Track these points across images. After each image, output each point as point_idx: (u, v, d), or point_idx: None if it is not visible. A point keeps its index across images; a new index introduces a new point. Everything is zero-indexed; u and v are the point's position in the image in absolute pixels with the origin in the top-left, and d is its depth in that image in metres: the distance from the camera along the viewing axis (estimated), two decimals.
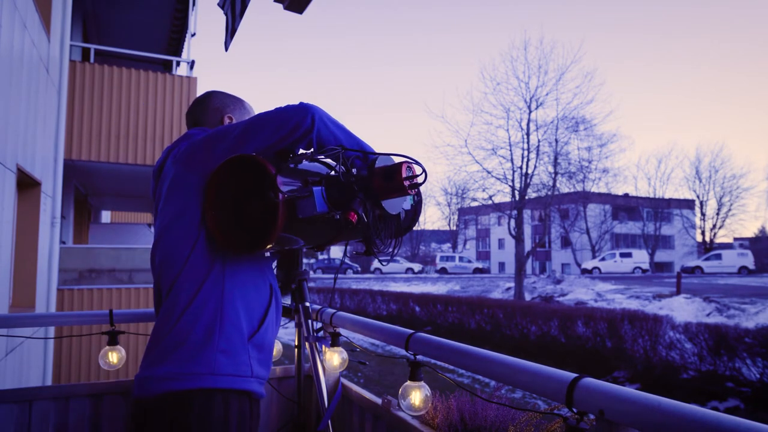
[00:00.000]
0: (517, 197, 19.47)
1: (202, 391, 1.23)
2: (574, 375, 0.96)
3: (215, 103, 1.53)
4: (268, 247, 1.20)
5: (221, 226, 1.24)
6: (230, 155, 1.24)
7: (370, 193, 1.19)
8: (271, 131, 1.23)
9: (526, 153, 19.49)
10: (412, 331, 1.48)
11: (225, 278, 1.29)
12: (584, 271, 35.56)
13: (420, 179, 1.20)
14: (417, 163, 1.20)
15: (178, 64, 9.32)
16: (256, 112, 1.45)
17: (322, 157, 1.26)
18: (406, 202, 1.37)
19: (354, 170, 1.23)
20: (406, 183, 1.17)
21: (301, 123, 1.22)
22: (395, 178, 1.16)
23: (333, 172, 1.26)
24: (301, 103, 1.26)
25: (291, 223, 1.16)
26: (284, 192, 1.13)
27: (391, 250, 1.37)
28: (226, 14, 2.90)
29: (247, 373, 1.29)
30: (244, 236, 1.21)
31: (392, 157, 1.27)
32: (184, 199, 1.30)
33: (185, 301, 1.27)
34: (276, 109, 1.27)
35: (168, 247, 1.32)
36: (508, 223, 20.11)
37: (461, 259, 41.85)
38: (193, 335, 1.25)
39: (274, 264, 1.60)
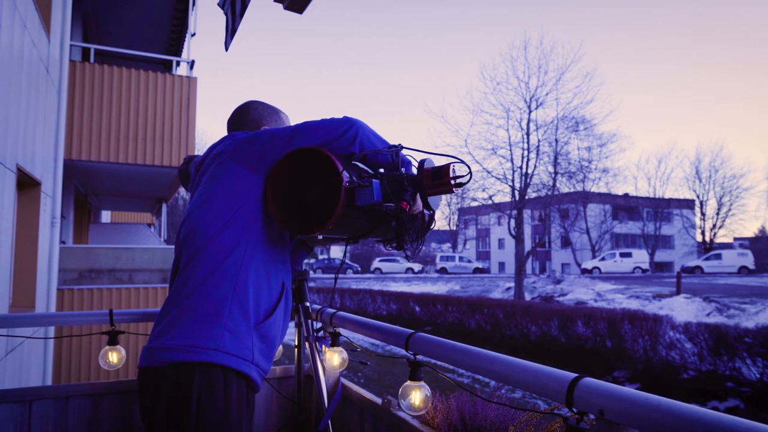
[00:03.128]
0: (517, 197, 19.46)
1: (205, 365, 1.26)
2: (574, 375, 0.96)
3: (253, 115, 1.63)
4: (322, 229, 1.32)
5: (283, 207, 1.36)
6: (279, 152, 1.36)
7: (419, 189, 1.32)
8: (318, 137, 1.35)
9: (526, 153, 19.49)
10: (412, 331, 1.48)
11: (244, 262, 1.34)
12: (584, 271, 35.55)
13: (465, 179, 1.31)
14: (463, 162, 1.31)
15: (178, 64, 9.32)
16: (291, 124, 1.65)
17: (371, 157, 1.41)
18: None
19: (404, 169, 1.38)
20: (452, 182, 1.30)
21: (346, 132, 1.35)
22: (443, 178, 1.30)
23: (382, 170, 1.39)
24: (345, 117, 1.39)
25: (346, 210, 1.29)
26: (347, 181, 1.28)
27: (416, 246, 1.48)
28: (226, 14, 2.90)
29: (249, 357, 1.32)
30: (305, 218, 1.35)
31: (438, 157, 1.40)
32: (223, 185, 1.38)
33: (202, 276, 1.32)
34: (323, 119, 1.39)
35: (195, 224, 1.38)
36: (508, 223, 20.10)
37: (461, 259, 41.83)
38: (203, 309, 1.29)
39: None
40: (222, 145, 1.46)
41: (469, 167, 1.31)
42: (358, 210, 1.31)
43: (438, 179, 1.31)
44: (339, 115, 1.39)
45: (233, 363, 1.29)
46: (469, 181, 1.31)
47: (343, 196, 1.26)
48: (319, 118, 1.41)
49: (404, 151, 1.41)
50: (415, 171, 1.37)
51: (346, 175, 1.28)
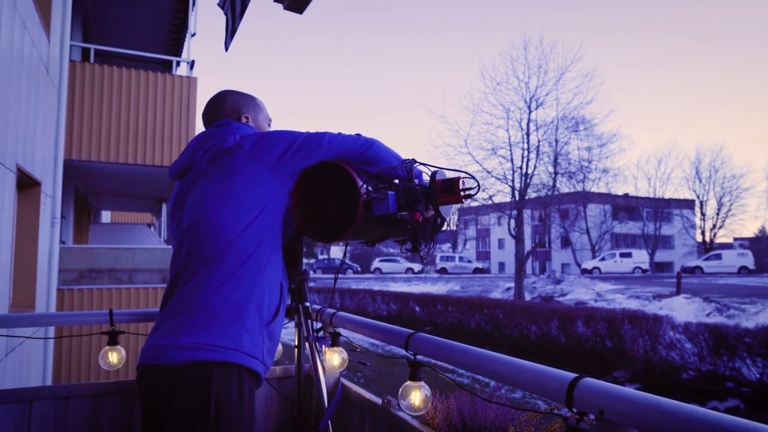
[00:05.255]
0: (517, 197, 19.45)
1: (224, 364, 1.28)
2: (574, 375, 0.96)
3: (230, 104, 1.61)
4: (343, 236, 1.43)
5: (305, 216, 1.47)
6: (302, 161, 1.42)
7: (431, 199, 1.43)
8: (340, 151, 1.44)
9: (526, 153, 19.48)
10: (412, 331, 1.48)
11: (261, 264, 1.38)
12: (584, 271, 35.52)
13: (473, 191, 1.42)
14: (473, 177, 1.43)
15: (178, 64, 9.32)
16: (268, 112, 1.71)
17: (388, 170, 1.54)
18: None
19: (417, 181, 1.48)
20: (462, 194, 1.41)
21: (365, 152, 1.46)
22: (454, 190, 1.41)
23: (397, 181, 1.49)
24: (360, 135, 1.48)
25: (364, 220, 1.40)
26: (364, 194, 1.39)
27: (429, 248, 1.56)
28: (226, 14, 2.90)
29: (260, 356, 1.36)
30: (325, 227, 1.46)
31: (449, 171, 1.51)
32: (245, 185, 1.37)
33: (222, 277, 1.33)
34: (342, 135, 1.47)
35: (214, 223, 1.36)
36: (508, 223, 20.09)
37: (461, 259, 41.82)
38: (223, 309, 1.31)
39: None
40: (233, 139, 1.43)
41: (477, 181, 1.42)
42: (374, 219, 1.41)
43: (449, 191, 1.41)
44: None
45: (249, 362, 1.32)
46: (477, 193, 1.41)
47: (362, 209, 1.37)
48: (336, 131, 1.48)
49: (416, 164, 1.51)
50: (426, 179, 1.46)
51: (364, 188, 1.38)
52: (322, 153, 1.43)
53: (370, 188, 1.41)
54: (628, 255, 37.18)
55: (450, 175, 1.47)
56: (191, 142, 1.52)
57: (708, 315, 13.64)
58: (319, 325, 1.99)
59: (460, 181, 1.41)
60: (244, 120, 1.60)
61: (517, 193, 19.49)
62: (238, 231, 1.35)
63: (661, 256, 43.30)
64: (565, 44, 39.45)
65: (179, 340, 1.29)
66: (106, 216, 20.61)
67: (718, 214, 38.70)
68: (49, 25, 5.81)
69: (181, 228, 1.45)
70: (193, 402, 1.26)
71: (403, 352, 1.48)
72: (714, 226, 38.84)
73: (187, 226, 1.42)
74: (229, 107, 1.60)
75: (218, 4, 2.98)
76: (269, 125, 1.71)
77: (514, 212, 19.62)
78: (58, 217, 6.40)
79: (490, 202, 21.04)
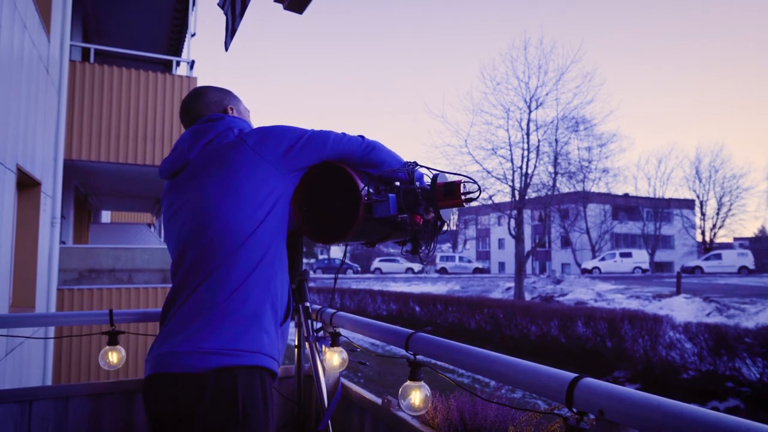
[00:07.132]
0: (517, 197, 19.45)
1: (247, 367, 1.28)
2: (574, 375, 0.96)
3: (212, 98, 1.57)
4: (343, 237, 1.44)
5: (306, 216, 1.48)
6: (308, 159, 1.42)
7: (432, 202, 1.43)
8: (344, 152, 1.45)
9: (526, 153, 19.47)
10: (412, 331, 1.48)
11: (274, 264, 1.37)
12: (584, 271, 35.51)
13: (474, 195, 1.42)
14: (474, 182, 1.43)
15: (178, 64, 9.32)
16: (257, 110, 1.64)
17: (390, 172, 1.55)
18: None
19: (418, 183, 1.48)
20: (463, 197, 1.42)
21: (368, 154, 1.47)
22: (455, 194, 1.41)
23: (398, 183, 1.49)
24: (363, 138, 1.49)
25: (365, 221, 1.40)
26: (365, 196, 1.40)
27: (429, 250, 1.56)
28: (226, 14, 2.90)
29: (276, 356, 1.37)
30: (325, 228, 1.47)
31: (450, 174, 1.51)
32: (252, 183, 1.34)
33: (238, 279, 1.30)
34: (345, 135, 1.47)
35: (222, 223, 1.32)
36: (508, 223, 20.08)
37: (461, 259, 41.82)
38: (242, 312, 1.29)
39: None
40: (232, 134, 1.41)
41: (478, 185, 1.42)
42: (375, 220, 1.42)
43: (450, 195, 1.41)
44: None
45: (268, 363, 1.32)
46: (478, 197, 1.42)
47: (362, 211, 1.37)
48: (340, 131, 1.47)
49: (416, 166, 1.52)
50: (427, 182, 1.46)
51: (365, 190, 1.39)
52: (326, 152, 1.42)
53: (371, 190, 1.41)
54: (628, 255, 37.18)
55: (451, 178, 1.46)
56: (182, 138, 1.46)
57: (708, 315, 13.63)
58: (319, 325, 1.99)
59: (462, 184, 1.42)
60: (229, 111, 1.56)
61: (517, 193, 19.48)
62: (249, 230, 1.31)
63: (661, 256, 43.30)
64: (565, 44, 39.57)
65: (200, 346, 1.24)
66: (106, 216, 20.61)
67: (718, 214, 38.71)
68: (49, 25, 5.81)
69: (183, 231, 1.38)
70: (220, 407, 1.24)
71: (403, 352, 1.48)
72: (714, 226, 38.85)
73: (192, 228, 1.36)
74: (211, 101, 1.55)
75: (218, 4, 2.98)
76: (249, 115, 1.66)
77: (514, 212, 19.61)
78: (58, 217, 6.40)
79: (490, 202, 21.03)
